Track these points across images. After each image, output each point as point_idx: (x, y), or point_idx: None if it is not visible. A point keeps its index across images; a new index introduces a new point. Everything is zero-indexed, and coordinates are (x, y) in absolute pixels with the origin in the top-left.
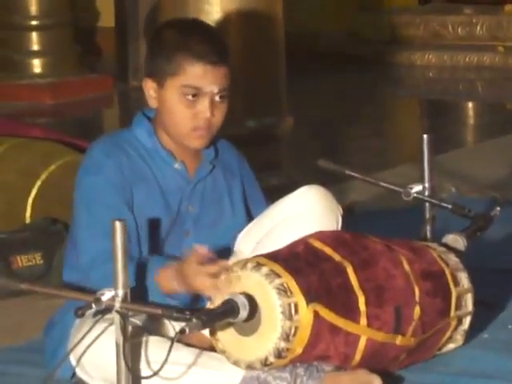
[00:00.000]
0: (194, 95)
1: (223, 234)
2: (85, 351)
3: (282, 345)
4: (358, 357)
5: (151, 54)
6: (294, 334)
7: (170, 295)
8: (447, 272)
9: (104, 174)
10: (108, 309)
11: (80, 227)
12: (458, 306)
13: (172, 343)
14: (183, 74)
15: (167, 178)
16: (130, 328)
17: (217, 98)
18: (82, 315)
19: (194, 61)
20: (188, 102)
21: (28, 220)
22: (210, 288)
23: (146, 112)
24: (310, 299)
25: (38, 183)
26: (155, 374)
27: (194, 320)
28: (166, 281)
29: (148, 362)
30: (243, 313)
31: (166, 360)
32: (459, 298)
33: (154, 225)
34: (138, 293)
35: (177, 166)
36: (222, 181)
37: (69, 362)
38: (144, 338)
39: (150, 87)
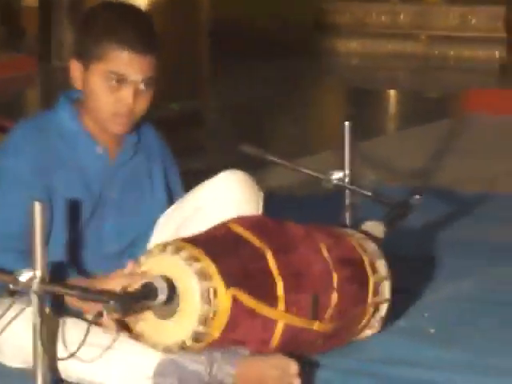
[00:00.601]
0: (117, 81)
1: (144, 219)
2: (0, 332)
3: (200, 329)
4: (275, 342)
5: (80, 34)
6: (212, 319)
7: None
8: (365, 259)
9: (22, 158)
10: (25, 289)
11: None
12: (375, 293)
13: (89, 325)
14: (108, 60)
15: (89, 163)
16: (47, 309)
17: (141, 86)
18: None
19: (120, 47)
20: (111, 87)
21: None
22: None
23: (70, 94)
24: (228, 284)
25: None
26: (71, 355)
27: (112, 302)
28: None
29: (65, 344)
30: (162, 296)
31: (82, 342)
32: (376, 285)
33: (74, 209)
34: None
35: (99, 150)
36: (143, 166)
37: None
38: (61, 320)
39: (75, 68)
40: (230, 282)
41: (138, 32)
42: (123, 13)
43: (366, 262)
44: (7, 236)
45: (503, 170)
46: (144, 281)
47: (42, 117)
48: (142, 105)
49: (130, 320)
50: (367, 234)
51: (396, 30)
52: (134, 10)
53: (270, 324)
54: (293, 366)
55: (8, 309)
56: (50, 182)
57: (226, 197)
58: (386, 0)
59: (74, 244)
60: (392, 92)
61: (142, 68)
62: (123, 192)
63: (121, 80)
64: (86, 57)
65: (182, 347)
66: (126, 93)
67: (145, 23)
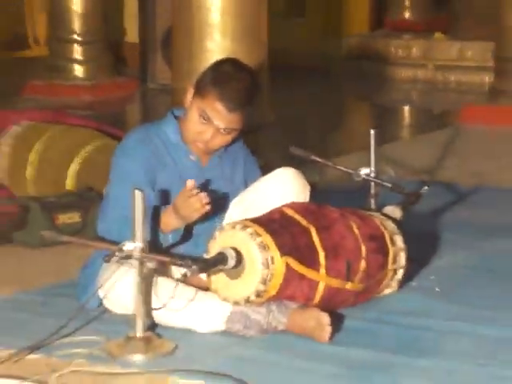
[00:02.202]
0: (206, 119)
1: (223, 209)
2: (111, 287)
3: (261, 287)
4: (317, 298)
5: (205, 73)
6: (270, 280)
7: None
8: (386, 235)
9: (136, 158)
10: (128, 256)
11: (108, 197)
12: (394, 261)
13: (176, 283)
14: (207, 102)
15: (185, 167)
16: (145, 271)
17: (221, 131)
18: (109, 261)
19: (218, 99)
20: (200, 121)
21: (70, 188)
22: (196, 206)
23: (175, 111)
24: (283, 253)
25: (77, 160)
26: (163, 306)
27: (194, 266)
28: (166, 218)
29: (158, 297)
30: (231, 262)
31: (172, 295)
32: (395, 255)
33: (167, 199)
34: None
35: (192, 157)
36: (228, 169)
37: (97, 295)
38: (155, 279)
39: (189, 92)
40: (283, 251)
41: (236, 92)
42: (235, 72)
43: (387, 237)
44: (123, 218)
45: (491, 168)
46: (219, 251)
47: (152, 127)
48: (219, 142)
49: (207, 280)
50: (387, 216)
51: (409, 61)
52: (244, 71)
53: (313, 284)
54: (325, 318)
55: (115, 270)
56: (154, 180)
57: (281, 188)
58: (401, 37)
59: None
60: (407, 108)
61: (227, 120)
62: (211, 190)
63: (208, 120)
64: (197, 90)
65: (247, 301)
66: (207, 131)
67: (247, 85)
